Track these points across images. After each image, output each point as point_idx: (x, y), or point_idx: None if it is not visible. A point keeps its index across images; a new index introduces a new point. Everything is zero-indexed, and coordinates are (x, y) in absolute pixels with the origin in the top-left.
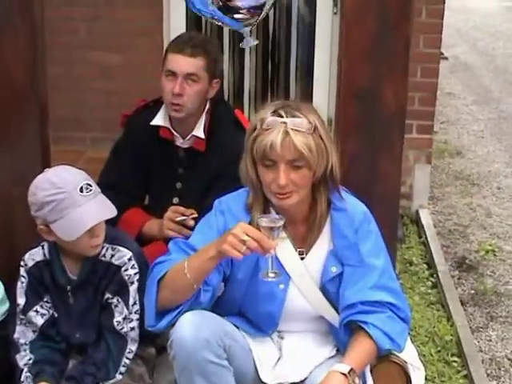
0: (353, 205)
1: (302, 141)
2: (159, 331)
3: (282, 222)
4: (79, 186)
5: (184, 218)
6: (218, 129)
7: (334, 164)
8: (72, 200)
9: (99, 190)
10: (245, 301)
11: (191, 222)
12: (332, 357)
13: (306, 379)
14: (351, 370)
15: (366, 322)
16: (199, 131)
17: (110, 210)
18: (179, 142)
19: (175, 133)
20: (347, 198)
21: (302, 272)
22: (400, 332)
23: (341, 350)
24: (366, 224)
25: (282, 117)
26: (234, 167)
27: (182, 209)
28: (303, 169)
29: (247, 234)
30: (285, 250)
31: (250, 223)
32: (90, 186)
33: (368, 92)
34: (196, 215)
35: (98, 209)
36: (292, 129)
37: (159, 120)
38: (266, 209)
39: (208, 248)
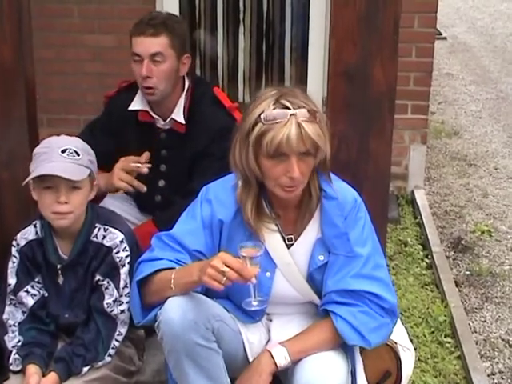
0: (343, 192)
1: (314, 131)
2: (148, 324)
3: (262, 251)
4: (63, 148)
5: (138, 164)
6: (198, 109)
7: (328, 149)
8: (49, 155)
9: (85, 164)
10: (232, 288)
11: (145, 170)
12: None
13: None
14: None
15: (335, 314)
16: (178, 115)
17: (75, 174)
18: (160, 123)
19: (155, 115)
20: (337, 185)
21: (288, 261)
22: (374, 328)
23: None
24: (355, 211)
25: (289, 108)
26: (217, 146)
27: (134, 158)
28: (310, 158)
29: (226, 265)
30: (273, 238)
31: (237, 211)
32: (77, 154)
33: (357, 72)
34: (150, 165)
35: (64, 167)
36: (303, 120)
37: (137, 104)
38: (258, 200)
39: (193, 270)
